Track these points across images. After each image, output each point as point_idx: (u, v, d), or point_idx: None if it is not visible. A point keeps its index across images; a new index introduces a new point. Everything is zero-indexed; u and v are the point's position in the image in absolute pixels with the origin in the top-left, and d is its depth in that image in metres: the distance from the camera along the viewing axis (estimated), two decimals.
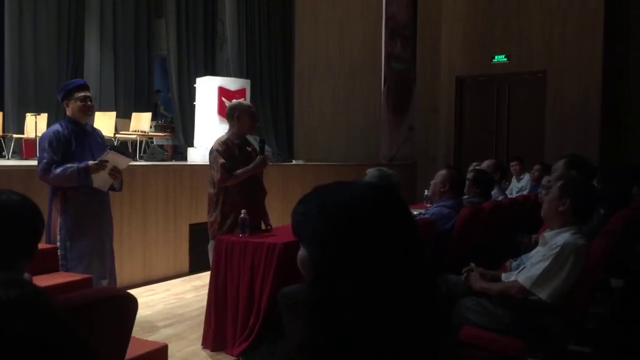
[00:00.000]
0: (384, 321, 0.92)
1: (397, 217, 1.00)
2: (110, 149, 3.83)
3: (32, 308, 0.80)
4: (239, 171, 4.02)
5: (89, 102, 3.86)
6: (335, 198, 1.01)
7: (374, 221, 0.97)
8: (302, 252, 1.04)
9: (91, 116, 3.97)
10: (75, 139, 3.81)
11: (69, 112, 3.86)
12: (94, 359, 0.91)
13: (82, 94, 3.83)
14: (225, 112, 4.33)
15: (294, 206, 1.07)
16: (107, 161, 3.72)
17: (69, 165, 3.67)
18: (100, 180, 3.78)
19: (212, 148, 4.10)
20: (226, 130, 4.34)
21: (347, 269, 0.94)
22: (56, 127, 3.85)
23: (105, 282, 3.87)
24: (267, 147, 4.38)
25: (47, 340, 0.79)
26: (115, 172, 3.80)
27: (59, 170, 3.65)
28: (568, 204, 2.82)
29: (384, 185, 1.06)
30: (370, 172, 3.83)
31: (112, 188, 3.94)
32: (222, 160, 3.97)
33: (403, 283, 0.95)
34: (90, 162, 3.69)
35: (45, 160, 3.68)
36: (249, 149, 4.26)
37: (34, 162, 3.88)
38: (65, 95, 3.85)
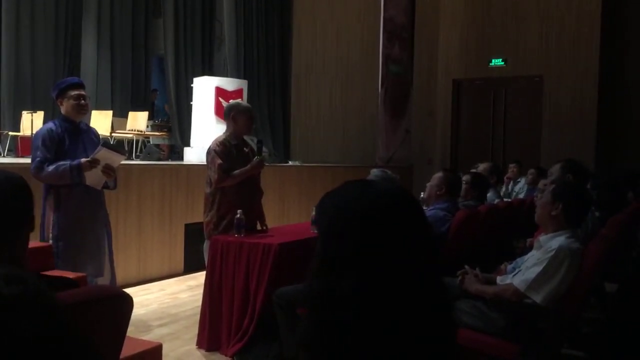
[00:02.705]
0: (383, 320, 0.93)
1: (408, 223, 1.01)
2: (103, 146, 3.79)
3: (34, 305, 0.79)
4: (236, 172, 4.00)
5: (83, 101, 3.83)
6: (351, 196, 1.02)
7: (383, 224, 0.98)
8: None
9: (85, 115, 3.94)
10: (68, 137, 3.79)
11: (63, 110, 3.85)
12: (96, 357, 0.91)
13: (76, 92, 3.81)
14: (223, 112, 4.31)
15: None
16: (98, 159, 3.70)
17: (61, 162, 3.66)
18: (94, 178, 3.75)
19: (209, 148, 4.08)
20: (223, 131, 4.33)
21: (347, 266, 0.95)
22: (50, 125, 3.83)
23: (99, 281, 3.85)
24: (264, 149, 4.37)
25: (48, 338, 0.79)
26: (108, 169, 3.76)
27: (51, 168, 3.64)
28: (560, 208, 2.83)
29: (403, 191, 1.06)
30: (374, 173, 3.84)
31: (106, 186, 3.91)
32: (219, 161, 3.95)
33: (407, 284, 0.96)
34: (83, 160, 3.67)
35: (38, 159, 3.68)
36: (247, 150, 4.24)
37: (29, 160, 3.86)
38: (59, 94, 3.83)
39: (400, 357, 0.92)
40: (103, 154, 3.72)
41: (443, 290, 1.02)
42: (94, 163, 3.68)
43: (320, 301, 0.97)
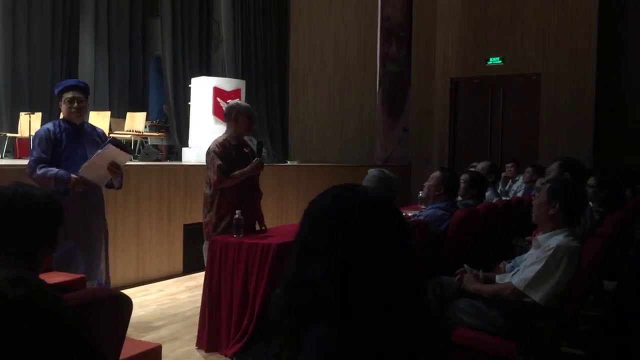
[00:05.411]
0: (344, 307, 1.01)
1: (378, 228, 1.09)
2: (111, 143, 3.73)
3: (39, 307, 0.80)
4: (236, 173, 4.00)
5: (75, 104, 3.79)
6: (332, 196, 1.13)
7: (353, 225, 1.08)
8: None
9: (81, 117, 3.89)
10: (67, 138, 3.77)
11: (62, 112, 3.86)
12: (99, 358, 0.91)
13: (70, 95, 3.78)
14: (224, 113, 4.31)
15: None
16: (85, 183, 3.66)
17: (51, 168, 3.64)
18: (98, 174, 3.71)
19: (209, 149, 4.08)
20: (223, 131, 4.33)
21: (318, 256, 1.05)
22: (49, 125, 3.83)
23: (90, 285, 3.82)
24: (263, 150, 4.36)
25: (52, 339, 0.79)
26: (114, 167, 3.72)
27: (41, 171, 3.63)
28: (557, 206, 2.83)
29: (383, 199, 1.14)
30: (371, 172, 3.84)
31: (110, 185, 3.88)
32: (218, 162, 3.95)
33: (375, 282, 1.05)
34: (73, 176, 3.63)
35: (32, 159, 3.69)
36: (246, 151, 4.24)
37: (27, 162, 3.86)
38: (58, 95, 3.85)
39: (357, 343, 1.00)
40: (111, 151, 3.68)
41: (414, 293, 1.10)
42: (81, 183, 3.64)
43: (290, 284, 1.08)
